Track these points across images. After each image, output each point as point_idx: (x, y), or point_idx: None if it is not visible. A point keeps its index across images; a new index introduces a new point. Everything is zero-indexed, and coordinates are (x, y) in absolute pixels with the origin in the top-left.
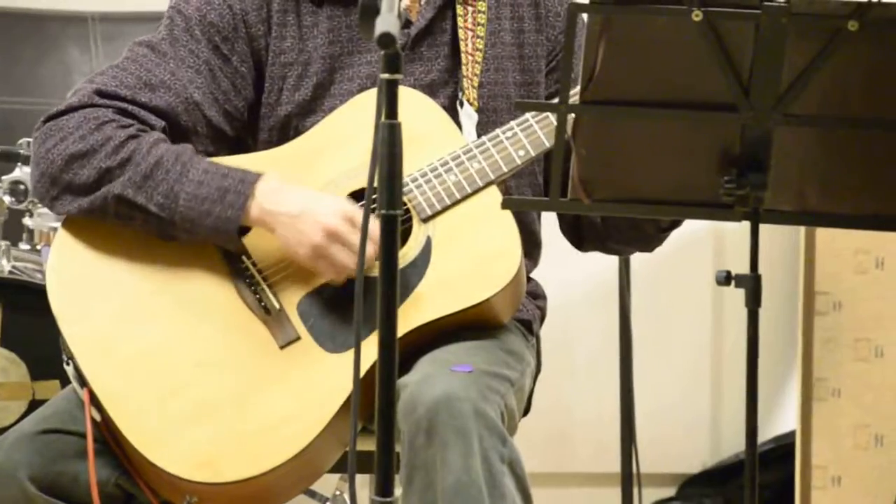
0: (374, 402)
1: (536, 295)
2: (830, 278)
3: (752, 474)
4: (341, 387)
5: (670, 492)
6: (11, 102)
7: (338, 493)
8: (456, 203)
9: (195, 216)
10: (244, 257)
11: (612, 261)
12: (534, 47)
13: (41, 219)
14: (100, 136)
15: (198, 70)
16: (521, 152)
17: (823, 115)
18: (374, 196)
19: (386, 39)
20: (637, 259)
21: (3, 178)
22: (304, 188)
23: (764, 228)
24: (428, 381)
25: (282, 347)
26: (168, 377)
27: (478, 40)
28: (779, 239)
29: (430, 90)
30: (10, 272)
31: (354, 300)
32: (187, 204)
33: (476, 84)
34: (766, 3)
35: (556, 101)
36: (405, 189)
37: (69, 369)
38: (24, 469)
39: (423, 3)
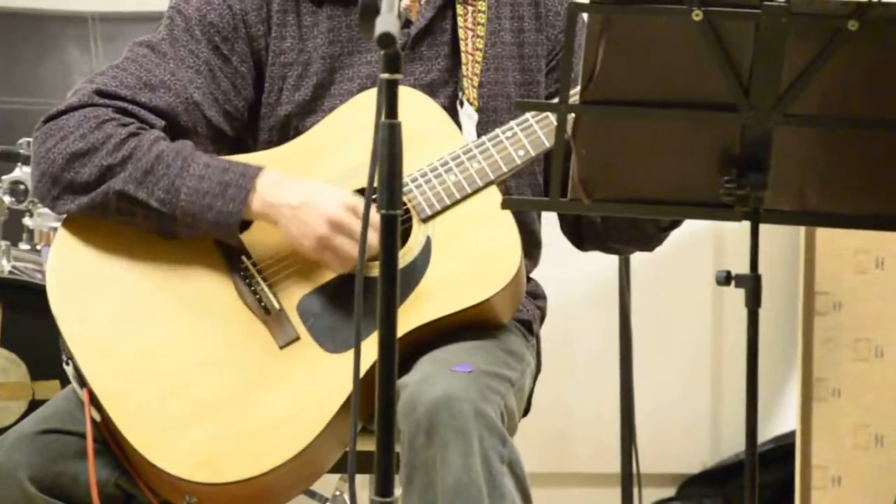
0: (374, 402)
1: (536, 295)
2: (830, 278)
3: (752, 474)
4: (341, 387)
5: (670, 492)
6: (11, 102)
7: (338, 493)
8: (456, 203)
9: (196, 210)
10: (244, 257)
11: (612, 261)
12: (534, 47)
13: (41, 219)
14: (100, 134)
15: (198, 70)
16: (521, 152)
17: (823, 115)
18: (374, 196)
19: (386, 39)
20: (637, 259)
21: (3, 178)
22: (305, 182)
23: (764, 228)
24: (428, 381)
25: (281, 347)
26: (168, 377)
27: (478, 40)
28: (779, 239)
29: (430, 90)
30: (10, 272)
31: (354, 300)
32: (188, 198)
33: (476, 84)
34: (767, 3)
35: (556, 100)
36: (405, 189)
37: (69, 369)
38: (23, 469)
39: (423, 2)
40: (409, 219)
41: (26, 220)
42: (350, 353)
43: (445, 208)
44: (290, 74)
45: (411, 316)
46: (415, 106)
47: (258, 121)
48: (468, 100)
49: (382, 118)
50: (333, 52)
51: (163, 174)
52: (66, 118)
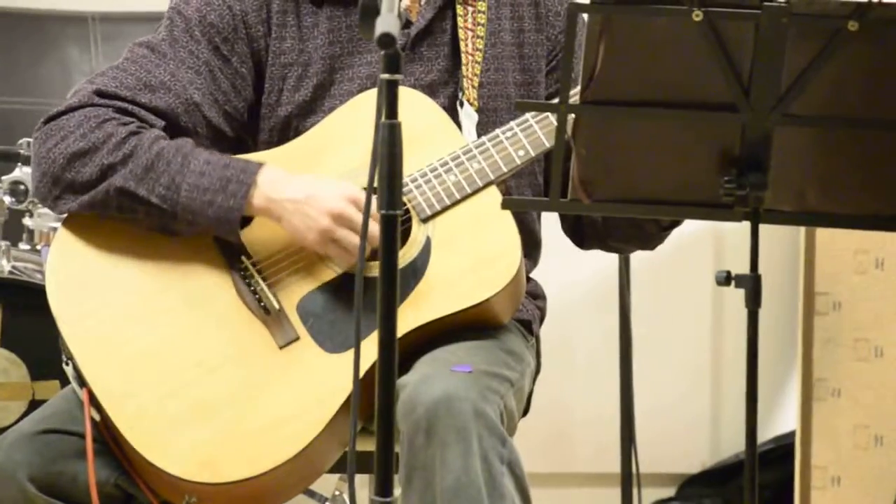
0: (373, 402)
1: (536, 295)
2: (830, 278)
3: (752, 474)
4: (341, 387)
5: (670, 492)
6: (11, 102)
7: (337, 493)
8: (455, 203)
9: (197, 207)
10: (243, 257)
11: (613, 261)
12: (534, 47)
13: (41, 219)
14: (101, 133)
15: (197, 71)
16: (521, 152)
17: (823, 115)
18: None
19: (386, 40)
20: (637, 259)
21: (3, 178)
22: (305, 176)
23: (764, 228)
24: (427, 381)
25: (281, 347)
26: (167, 377)
27: (478, 40)
28: (779, 239)
29: (430, 90)
30: (10, 272)
31: (354, 299)
32: (189, 194)
33: (476, 84)
34: (767, 4)
35: (556, 101)
36: (405, 189)
37: (68, 369)
38: (23, 469)
39: (422, 3)
40: (409, 219)
41: (26, 221)
42: (349, 353)
43: (445, 208)
44: (290, 75)
45: (411, 316)
46: (415, 106)
47: (258, 121)
48: (468, 100)
49: (382, 118)
50: (333, 52)
51: (163, 171)
52: (66, 118)
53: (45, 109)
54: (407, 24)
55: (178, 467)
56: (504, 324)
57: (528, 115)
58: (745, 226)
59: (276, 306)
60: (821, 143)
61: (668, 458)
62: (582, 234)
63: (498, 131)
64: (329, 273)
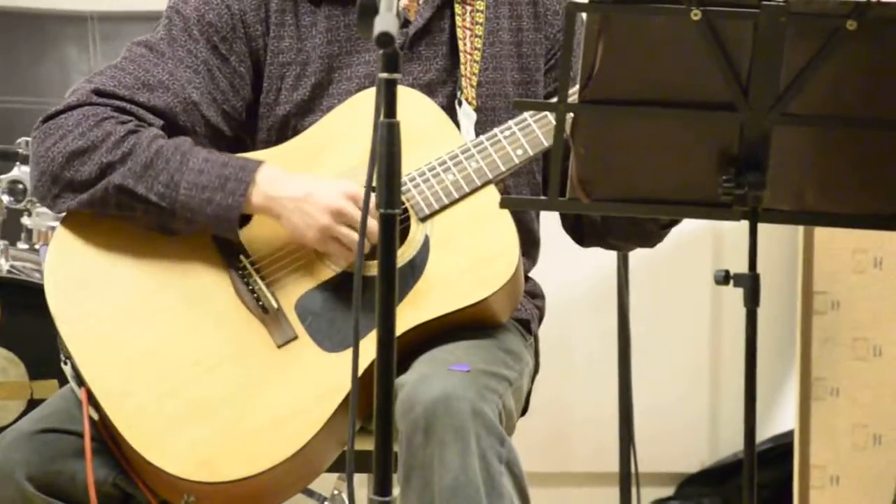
0: (372, 401)
1: (535, 294)
2: (829, 278)
3: (751, 474)
4: (339, 386)
5: (669, 491)
6: (10, 102)
7: (336, 492)
8: (454, 202)
9: (196, 205)
10: (242, 256)
11: (611, 260)
12: (532, 46)
13: (39, 218)
14: (100, 132)
15: (196, 70)
16: (520, 151)
17: (822, 114)
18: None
19: (384, 39)
20: (636, 258)
21: (2, 177)
22: (304, 175)
23: (762, 228)
24: (426, 380)
25: (279, 346)
26: (166, 377)
27: (476, 39)
28: (777, 238)
29: (429, 89)
30: (9, 271)
31: (353, 299)
32: (188, 192)
33: (474, 83)
34: (765, 3)
35: (554, 100)
36: (403, 188)
37: (67, 369)
38: (21, 468)
39: (421, 2)
40: (408, 218)
41: (25, 220)
42: (348, 352)
43: (444, 207)
44: (288, 74)
45: (409, 315)
46: (413, 105)
47: (256, 120)
48: (466, 99)
49: (381, 117)
50: (332, 51)
51: (162, 168)
52: (64, 117)
53: (43, 109)
54: (405, 23)
55: (177, 466)
56: (502, 323)
57: (526, 115)
58: (744, 225)
59: (275, 305)
60: (819, 143)
61: (667, 458)
62: (582, 231)
63: (496, 130)
64: (327, 272)
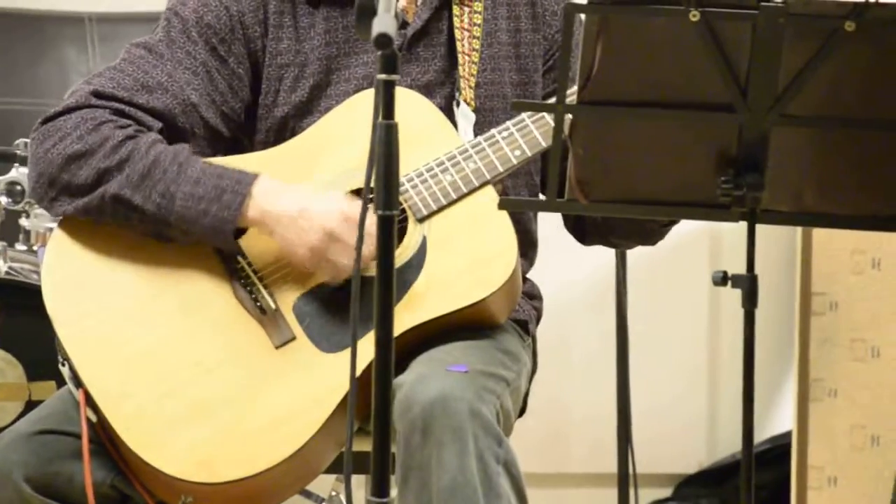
0: (370, 402)
1: (532, 295)
2: (827, 279)
3: (749, 475)
4: (337, 387)
5: (667, 492)
6: (8, 103)
7: (334, 493)
8: (452, 203)
9: (192, 216)
10: (240, 257)
11: (609, 261)
12: (530, 47)
13: (38, 219)
14: (98, 136)
15: (195, 72)
16: (517, 152)
17: (820, 115)
18: (371, 196)
19: (383, 40)
20: (634, 259)
21: (0, 178)
22: (301, 189)
23: (760, 229)
24: (423, 380)
25: (277, 347)
26: (164, 378)
27: (474, 40)
28: (775, 239)
29: (427, 91)
30: (7, 273)
31: (351, 299)
32: (184, 203)
33: (473, 84)
34: (764, 4)
35: (553, 100)
36: (401, 189)
37: (64, 370)
38: (19, 470)
39: (419, 3)
40: (405, 219)
41: (23, 221)
42: (346, 353)
43: (441, 208)
44: (286, 76)
45: (407, 316)
46: (411, 106)
47: (255, 122)
48: (465, 100)
49: (379, 119)
50: (330, 53)
51: (159, 179)
52: (63, 119)
53: (42, 110)
54: (403, 24)
55: (175, 467)
56: (500, 324)
57: (524, 115)
58: (742, 226)
59: (273, 306)
60: (818, 144)
61: (665, 459)
62: (584, 230)
63: (494, 131)
64: None
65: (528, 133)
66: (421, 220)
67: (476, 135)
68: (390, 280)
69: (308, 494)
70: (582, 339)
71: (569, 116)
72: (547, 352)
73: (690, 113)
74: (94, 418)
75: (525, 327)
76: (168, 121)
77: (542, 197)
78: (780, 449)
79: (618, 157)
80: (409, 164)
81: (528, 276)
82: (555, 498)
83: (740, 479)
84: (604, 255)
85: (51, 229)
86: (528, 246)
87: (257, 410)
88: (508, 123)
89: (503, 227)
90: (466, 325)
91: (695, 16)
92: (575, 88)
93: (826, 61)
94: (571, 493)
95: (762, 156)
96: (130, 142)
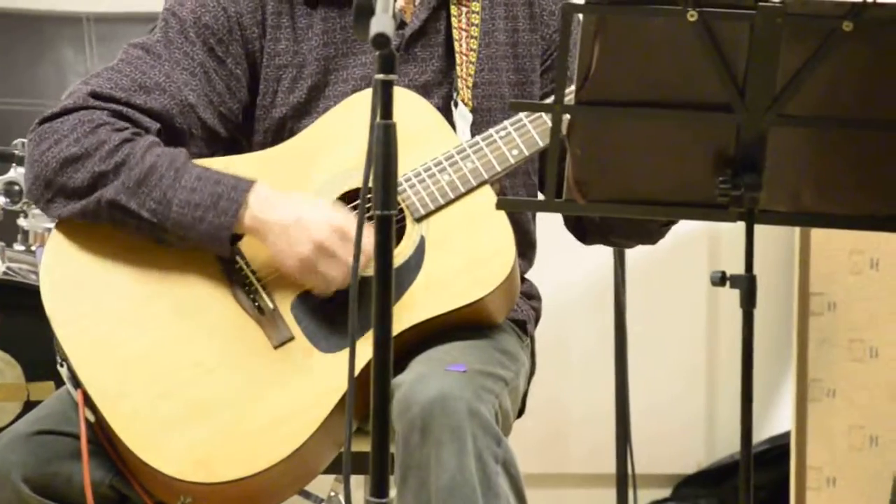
0: (368, 401)
1: (531, 295)
2: (825, 279)
3: (747, 475)
4: (335, 386)
5: (665, 492)
6: (6, 103)
7: (332, 493)
8: (449, 203)
9: (188, 222)
10: (238, 258)
11: (608, 261)
12: (528, 47)
13: (36, 220)
14: (94, 139)
15: (192, 72)
16: (515, 151)
17: (818, 115)
18: (368, 196)
19: (381, 40)
20: (632, 259)
21: None
22: (296, 197)
23: (759, 229)
24: (422, 380)
25: (276, 347)
26: (162, 378)
27: (472, 40)
28: (774, 239)
29: (425, 91)
30: (5, 273)
31: (349, 300)
32: (180, 210)
33: (470, 84)
34: (762, 4)
35: (550, 100)
36: (399, 189)
37: (63, 371)
38: (17, 470)
39: (417, 3)
40: (403, 218)
41: (21, 221)
42: (344, 353)
43: (439, 208)
44: (284, 76)
45: (405, 315)
46: (409, 107)
47: (253, 123)
48: (462, 100)
49: (377, 119)
50: (328, 53)
51: (155, 185)
52: (60, 121)
53: (39, 110)
54: (401, 24)
55: (173, 467)
56: (498, 323)
57: (521, 115)
58: (740, 226)
59: (271, 306)
60: (816, 144)
61: (664, 459)
62: (584, 230)
63: (491, 131)
64: None
65: (526, 133)
66: (419, 219)
67: (473, 135)
68: (389, 280)
69: (307, 495)
70: (581, 339)
71: (567, 116)
72: (546, 352)
73: (688, 113)
74: (92, 418)
75: (523, 327)
76: (166, 121)
77: (540, 197)
78: (778, 449)
79: (616, 157)
80: (407, 164)
81: (526, 276)
82: (554, 498)
83: (739, 479)
84: (602, 256)
85: (49, 230)
86: (526, 246)
87: (256, 410)
88: (506, 123)
89: (501, 227)
90: (465, 324)
91: (692, 16)
92: (573, 88)
93: (824, 61)
94: (570, 493)
95: (760, 156)
96: (127, 145)
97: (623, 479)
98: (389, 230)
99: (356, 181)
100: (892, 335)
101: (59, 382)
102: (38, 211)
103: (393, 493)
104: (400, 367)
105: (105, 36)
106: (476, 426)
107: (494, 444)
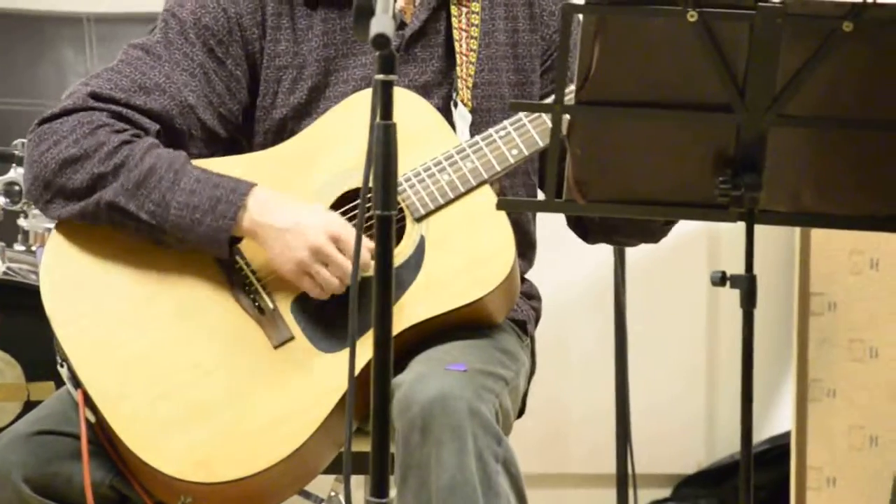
0: (368, 401)
1: (531, 295)
2: (825, 279)
3: (747, 475)
4: (335, 386)
5: (665, 492)
6: (6, 103)
7: (333, 494)
8: (449, 202)
9: (186, 225)
10: (238, 258)
11: (608, 261)
12: (528, 47)
13: (36, 220)
14: (93, 140)
15: (192, 73)
16: (515, 151)
17: (818, 115)
18: (368, 196)
19: (381, 40)
20: (632, 259)
21: None
22: (294, 201)
23: (759, 229)
24: (422, 379)
25: (276, 347)
26: (163, 378)
27: (472, 41)
28: (774, 240)
29: (424, 91)
30: (5, 273)
31: (349, 300)
32: (178, 213)
33: (470, 85)
34: (762, 4)
35: (550, 100)
36: (399, 189)
37: (63, 371)
38: (18, 470)
39: (417, 4)
40: (403, 218)
41: (21, 221)
42: (344, 353)
43: (439, 207)
44: (284, 77)
45: (405, 315)
46: (409, 107)
47: (253, 124)
48: (462, 101)
49: (377, 119)
50: (328, 54)
51: (154, 187)
52: (60, 122)
53: (39, 110)
54: (401, 25)
55: (173, 467)
56: (498, 323)
57: (521, 115)
58: (741, 226)
59: (271, 306)
60: (816, 144)
61: (664, 459)
62: (585, 229)
63: (491, 130)
64: None
65: (526, 133)
66: (419, 219)
67: (473, 135)
68: (389, 280)
69: (307, 495)
70: (581, 339)
71: (566, 116)
72: (546, 352)
73: (688, 113)
74: (92, 419)
75: (523, 327)
76: (165, 122)
77: (540, 197)
78: (778, 449)
79: (616, 157)
80: (407, 164)
81: (526, 276)
82: (554, 498)
83: (739, 479)
84: (602, 256)
85: (49, 230)
86: (526, 246)
87: (256, 410)
88: (506, 123)
89: (501, 227)
90: (465, 324)
91: (692, 16)
92: (573, 88)
93: (824, 61)
94: (570, 493)
95: (760, 156)
96: (126, 147)
97: (623, 479)
98: (389, 230)
99: (356, 181)
100: (892, 335)
101: (60, 382)
102: (38, 211)
103: (393, 493)
104: (400, 366)
105: (105, 36)
106: (476, 425)
107: (495, 443)
